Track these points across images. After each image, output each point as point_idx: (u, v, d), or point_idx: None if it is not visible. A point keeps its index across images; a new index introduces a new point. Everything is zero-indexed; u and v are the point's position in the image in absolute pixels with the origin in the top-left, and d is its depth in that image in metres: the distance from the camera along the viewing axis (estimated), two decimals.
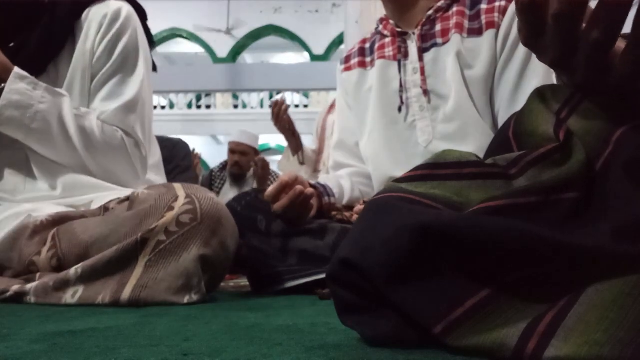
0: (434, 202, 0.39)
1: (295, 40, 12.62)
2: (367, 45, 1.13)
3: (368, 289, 0.37)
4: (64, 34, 0.97)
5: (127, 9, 1.02)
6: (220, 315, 0.59)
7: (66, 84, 0.95)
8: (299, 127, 2.36)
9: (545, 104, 0.42)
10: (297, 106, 11.49)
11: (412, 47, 1.01)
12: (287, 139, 2.35)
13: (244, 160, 3.07)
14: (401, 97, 1.01)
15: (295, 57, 13.61)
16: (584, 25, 0.37)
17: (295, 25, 12.36)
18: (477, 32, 0.95)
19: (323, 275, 0.84)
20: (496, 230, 0.32)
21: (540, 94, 0.43)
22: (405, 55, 1.02)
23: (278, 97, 2.46)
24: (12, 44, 0.92)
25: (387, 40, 1.06)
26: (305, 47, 12.65)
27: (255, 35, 12.61)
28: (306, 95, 11.86)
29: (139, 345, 0.41)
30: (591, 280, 0.31)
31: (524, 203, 0.35)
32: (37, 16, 0.95)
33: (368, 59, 1.11)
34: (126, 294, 0.70)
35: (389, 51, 1.04)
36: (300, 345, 0.40)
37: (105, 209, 0.86)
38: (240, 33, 12.42)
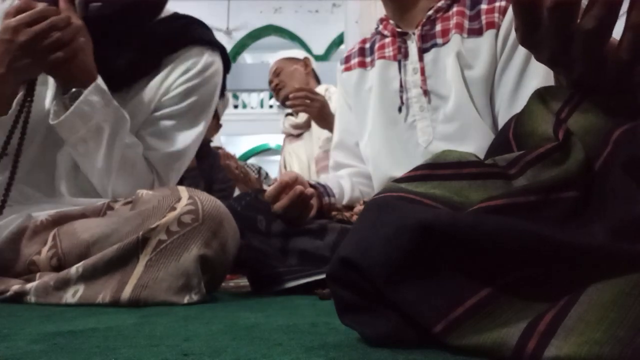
0: (434, 202, 0.39)
1: (295, 40, 12.62)
2: (367, 45, 1.13)
3: (368, 288, 0.37)
4: (153, 64, 0.96)
5: (217, 65, 1.02)
6: (220, 315, 0.59)
7: (130, 107, 0.94)
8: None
9: (545, 105, 0.43)
10: None
11: (412, 47, 1.01)
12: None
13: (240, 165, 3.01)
14: (401, 97, 1.01)
15: None
16: (580, 18, 0.37)
17: (295, 25, 12.35)
18: (477, 32, 0.95)
19: (323, 275, 0.84)
20: (496, 229, 0.32)
21: (541, 94, 0.44)
22: (405, 56, 1.02)
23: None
24: (105, 53, 0.91)
25: (387, 40, 1.06)
26: (305, 47, 12.64)
27: (255, 35, 12.60)
28: None
29: (139, 345, 0.41)
30: (591, 280, 0.31)
31: (524, 202, 0.35)
32: (139, 35, 0.95)
33: (368, 59, 1.11)
34: (126, 293, 0.70)
35: (389, 51, 1.05)
36: (300, 345, 0.40)
37: (109, 207, 0.86)
38: (240, 33, 12.42)
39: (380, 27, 1.09)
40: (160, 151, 0.97)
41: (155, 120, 0.98)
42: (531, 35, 0.40)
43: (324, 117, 1.84)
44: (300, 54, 2.38)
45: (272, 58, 2.37)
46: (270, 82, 2.30)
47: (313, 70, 2.31)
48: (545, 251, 0.32)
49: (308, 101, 1.81)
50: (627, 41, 0.36)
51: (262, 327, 0.50)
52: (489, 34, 0.94)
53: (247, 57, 13.48)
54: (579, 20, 0.37)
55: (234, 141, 11.14)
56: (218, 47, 1.04)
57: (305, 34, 12.49)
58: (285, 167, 2.28)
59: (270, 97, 11.89)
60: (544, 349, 0.29)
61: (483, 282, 0.33)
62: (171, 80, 0.97)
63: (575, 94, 0.41)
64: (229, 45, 12.48)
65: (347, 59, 1.16)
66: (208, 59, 1.00)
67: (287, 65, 2.27)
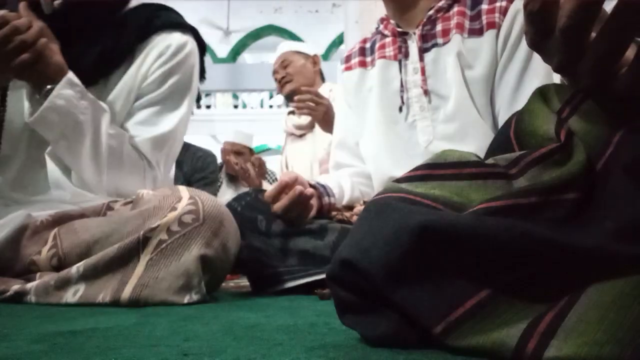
0: (434, 202, 0.39)
1: (295, 40, 12.62)
2: (368, 45, 1.13)
3: (368, 289, 0.37)
4: (126, 53, 0.97)
5: (190, 46, 1.02)
6: (220, 315, 0.59)
7: (110, 99, 0.95)
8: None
9: (546, 104, 0.42)
10: None
11: (413, 47, 1.01)
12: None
13: (240, 160, 3.07)
14: (402, 97, 1.01)
15: None
16: (593, 34, 0.36)
17: (295, 25, 12.34)
18: (477, 32, 0.95)
19: (323, 275, 0.84)
20: (496, 230, 0.32)
21: (542, 93, 0.43)
22: (406, 55, 1.02)
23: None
24: (75, 48, 0.91)
25: (388, 40, 1.06)
26: None
27: (255, 35, 12.60)
28: None
29: (139, 345, 0.41)
30: (591, 281, 0.31)
31: (525, 203, 0.35)
32: (107, 27, 0.95)
33: (368, 59, 1.11)
34: (127, 292, 0.70)
35: (390, 51, 1.05)
36: (300, 345, 0.40)
37: (108, 207, 0.86)
38: (240, 33, 12.42)
39: (381, 26, 1.09)
40: (146, 136, 0.97)
41: (139, 109, 0.98)
42: (541, 43, 0.40)
43: (328, 121, 1.78)
44: (309, 49, 2.31)
45: (273, 58, 2.34)
46: (275, 72, 2.22)
47: (320, 69, 2.26)
48: (545, 252, 0.32)
49: (313, 104, 1.78)
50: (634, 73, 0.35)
51: (262, 327, 0.50)
52: (489, 34, 0.94)
53: (247, 57, 13.47)
54: (593, 35, 0.36)
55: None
56: (189, 29, 1.04)
57: (305, 34, 12.47)
58: (287, 167, 2.26)
59: (270, 97, 11.88)
60: (544, 349, 0.29)
61: (483, 283, 0.33)
62: (147, 67, 0.98)
63: (577, 93, 0.41)
64: (228, 45, 12.48)
65: (348, 59, 1.16)
66: (180, 40, 1.00)
67: (296, 58, 2.19)
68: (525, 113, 0.44)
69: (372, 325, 0.38)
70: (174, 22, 1.02)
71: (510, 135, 0.45)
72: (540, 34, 0.39)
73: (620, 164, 0.35)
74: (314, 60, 2.24)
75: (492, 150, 0.47)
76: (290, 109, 2.26)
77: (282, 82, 2.19)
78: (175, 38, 1.00)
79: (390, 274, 0.35)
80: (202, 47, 1.07)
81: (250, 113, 11.53)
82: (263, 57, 13.85)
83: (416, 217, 0.35)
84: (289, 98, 2.18)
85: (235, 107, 11.76)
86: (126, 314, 0.61)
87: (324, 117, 1.80)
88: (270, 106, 11.81)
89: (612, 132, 0.37)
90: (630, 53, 0.36)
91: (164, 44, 0.99)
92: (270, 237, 0.95)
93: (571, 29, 0.35)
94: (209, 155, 2.72)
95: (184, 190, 0.79)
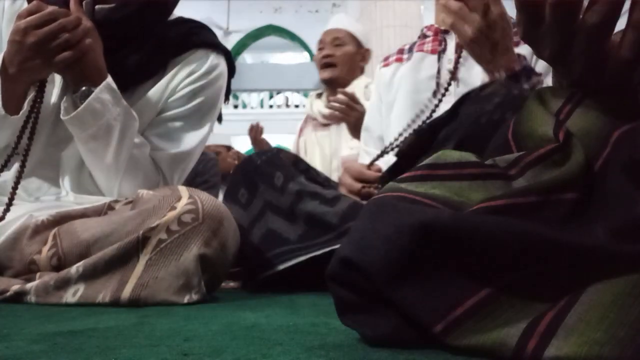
0: (434, 202, 0.39)
1: (295, 40, 12.61)
2: (407, 47, 1.23)
3: (368, 288, 0.37)
4: (160, 66, 0.98)
5: (222, 68, 1.03)
6: (220, 315, 0.59)
7: (137, 107, 0.95)
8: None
9: (544, 105, 0.43)
10: (297, 106, 11.48)
11: (451, 42, 1.10)
12: None
13: (219, 159, 3.07)
14: (437, 83, 1.08)
15: (295, 57, 13.60)
16: (582, 14, 0.37)
17: (295, 25, 12.33)
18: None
19: (314, 253, 0.87)
20: (496, 229, 0.32)
21: (539, 94, 0.44)
22: (444, 49, 1.11)
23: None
24: (115, 54, 0.92)
25: (429, 38, 1.16)
26: (305, 47, 12.64)
27: (255, 35, 12.60)
28: (306, 95, 11.85)
29: (139, 345, 0.41)
30: (591, 280, 0.31)
31: (524, 203, 0.35)
32: (148, 38, 0.96)
33: (405, 56, 1.22)
34: (126, 292, 0.70)
35: (428, 46, 1.15)
36: (300, 345, 0.40)
37: (110, 207, 0.86)
38: (240, 33, 12.41)
39: (424, 29, 1.19)
40: (166, 152, 0.98)
41: (162, 122, 0.99)
42: (533, 31, 0.40)
43: (359, 128, 1.59)
44: (366, 38, 2.06)
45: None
46: (322, 43, 2.00)
47: (363, 66, 2.07)
48: (545, 251, 0.32)
49: (347, 109, 1.66)
50: (629, 39, 0.36)
51: (262, 327, 0.50)
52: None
53: (247, 57, 13.46)
54: (581, 17, 0.37)
55: (233, 141, 11.14)
56: (223, 51, 1.05)
57: (305, 34, 12.46)
58: (305, 153, 2.13)
59: (270, 97, 11.88)
60: (544, 349, 0.29)
61: (483, 282, 0.33)
62: (177, 82, 0.98)
63: (575, 95, 0.41)
64: (228, 45, 12.47)
65: (387, 58, 1.27)
66: (213, 61, 1.02)
67: (350, 43, 1.98)
68: (523, 114, 0.44)
69: (372, 325, 0.38)
70: (210, 42, 1.03)
71: (509, 137, 0.45)
72: (532, 22, 0.39)
73: (618, 164, 0.35)
74: (364, 55, 2.05)
75: (491, 151, 0.48)
76: (319, 91, 2.11)
77: (324, 62, 1.98)
78: (209, 58, 1.01)
79: (391, 273, 0.35)
80: (231, 70, 1.08)
81: (250, 113, 11.52)
82: (263, 57, 13.85)
83: (416, 216, 0.35)
84: (325, 82, 2.02)
85: (235, 107, 11.76)
86: (126, 314, 0.61)
87: (356, 123, 1.66)
88: (270, 106, 11.82)
89: (610, 132, 0.37)
90: (615, 40, 0.37)
91: (197, 62, 1.00)
92: (283, 194, 0.97)
93: (560, 4, 0.36)
94: (210, 159, 2.71)
95: (183, 190, 0.79)
